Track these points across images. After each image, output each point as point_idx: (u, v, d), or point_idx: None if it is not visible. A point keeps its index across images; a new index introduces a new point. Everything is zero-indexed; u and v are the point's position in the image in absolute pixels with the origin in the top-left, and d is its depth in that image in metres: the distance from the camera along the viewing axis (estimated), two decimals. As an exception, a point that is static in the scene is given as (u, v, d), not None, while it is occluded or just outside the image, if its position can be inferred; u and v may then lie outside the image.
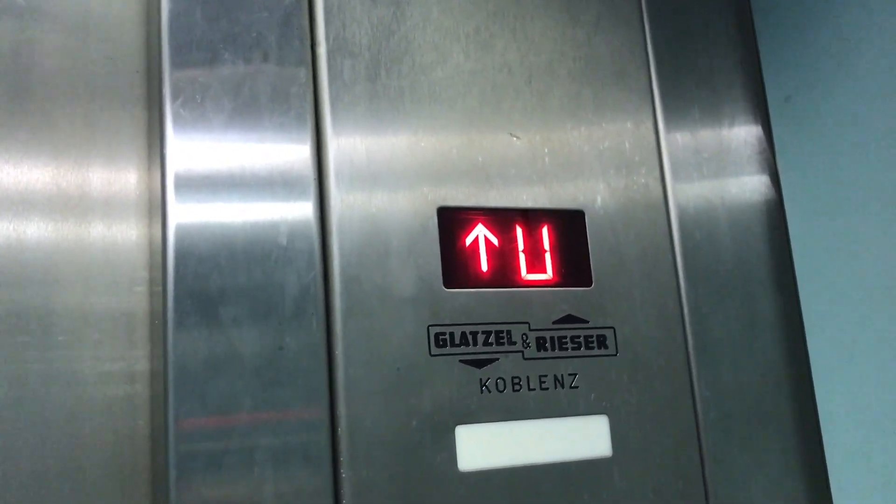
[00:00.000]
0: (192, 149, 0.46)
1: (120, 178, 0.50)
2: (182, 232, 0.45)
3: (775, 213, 0.59)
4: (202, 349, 0.44)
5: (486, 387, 0.48)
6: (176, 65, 0.47)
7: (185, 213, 0.45)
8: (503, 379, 0.49)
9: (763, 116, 0.61)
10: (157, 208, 0.46)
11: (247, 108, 0.47)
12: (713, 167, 0.58)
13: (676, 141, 0.57)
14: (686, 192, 0.57)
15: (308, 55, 0.49)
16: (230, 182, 0.46)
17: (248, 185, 0.46)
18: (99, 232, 0.49)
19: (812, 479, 0.56)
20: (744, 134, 0.60)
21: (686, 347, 0.54)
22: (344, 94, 0.49)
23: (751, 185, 0.59)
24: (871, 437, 0.54)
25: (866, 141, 0.54)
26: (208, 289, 0.44)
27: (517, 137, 0.53)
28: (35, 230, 0.47)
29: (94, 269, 0.48)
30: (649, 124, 0.56)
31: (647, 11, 0.58)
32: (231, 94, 0.47)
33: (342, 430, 0.45)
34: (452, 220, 0.50)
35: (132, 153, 0.50)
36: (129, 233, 0.49)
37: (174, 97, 0.46)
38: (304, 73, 0.49)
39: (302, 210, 0.47)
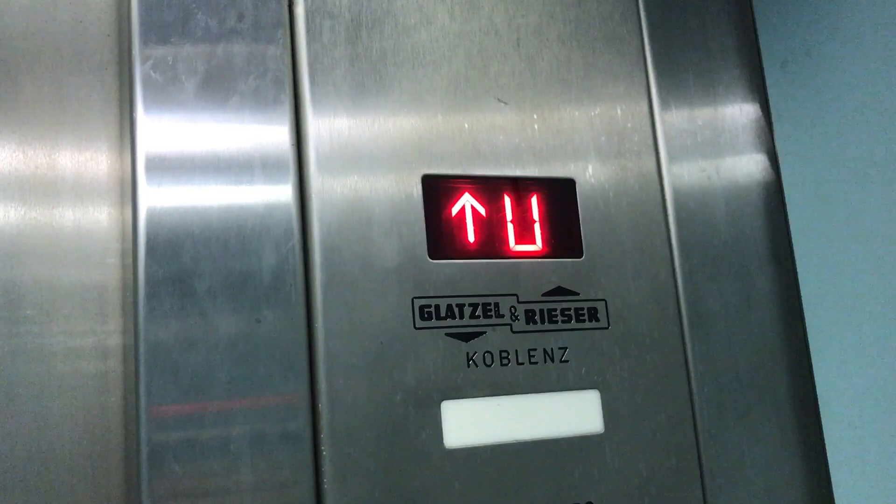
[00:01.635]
0: (163, 122, 0.44)
1: (90, 147, 0.47)
2: (154, 200, 0.43)
3: (772, 183, 0.57)
4: (175, 323, 0.42)
5: (473, 361, 0.47)
6: (146, 25, 0.44)
7: (156, 188, 0.43)
8: (491, 353, 0.47)
9: (759, 82, 0.59)
10: (129, 177, 0.44)
11: (221, 72, 0.45)
12: (708, 135, 0.56)
13: (670, 107, 0.55)
14: (680, 162, 0.55)
15: (286, 15, 0.47)
16: (204, 154, 0.44)
17: (224, 155, 0.44)
18: (70, 201, 0.46)
19: (809, 454, 0.54)
20: (739, 101, 0.58)
21: (680, 320, 0.52)
22: (323, 57, 0.47)
23: (746, 154, 0.57)
24: (867, 413, 0.52)
25: (865, 108, 0.52)
26: (181, 259, 0.42)
27: (505, 103, 0.51)
28: (1, 201, 0.45)
29: (65, 240, 0.46)
30: (642, 90, 0.54)
31: (639, -27, 0.56)
32: (204, 56, 0.45)
33: (322, 405, 0.43)
34: (438, 189, 0.48)
35: (102, 122, 0.48)
36: (100, 204, 0.47)
37: (144, 59, 0.44)
38: (281, 35, 0.47)
39: (281, 177, 0.45)
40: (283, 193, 0.45)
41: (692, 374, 0.52)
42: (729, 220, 0.55)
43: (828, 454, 0.54)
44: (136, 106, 0.43)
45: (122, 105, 0.47)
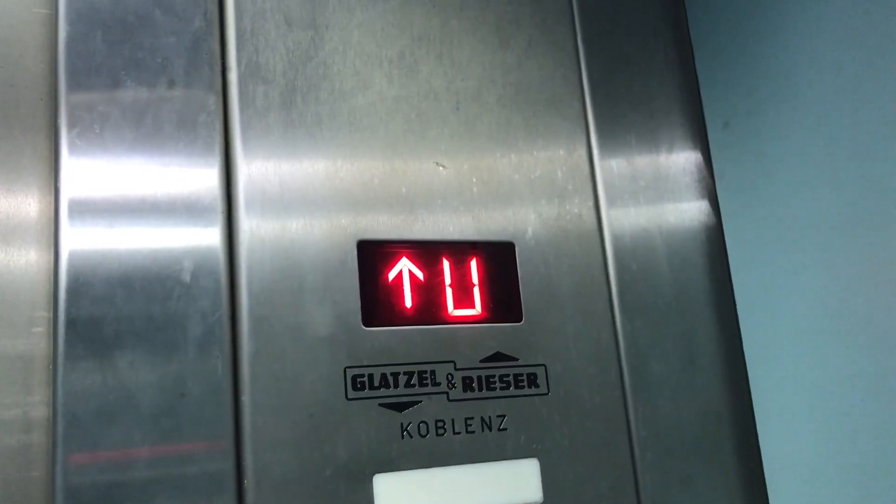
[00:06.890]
0: (87, 175, 0.43)
1: (20, 211, 0.47)
2: (75, 262, 0.42)
3: (715, 242, 0.57)
4: (95, 397, 0.41)
5: (408, 431, 0.46)
6: (73, 92, 0.44)
7: (78, 242, 0.42)
8: (426, 423, 0.46)
9: (702, 142, 0.59)
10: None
11: (150, 138, 0.44)
12: (650, 195, 0.56)
13: (611, 168, 0.55)
14: (622, 222, 0.54)
15: (218, 81, 0.47)
16: (129, 211, 0.43)
17: (150, 214, 0.43)
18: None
19: (756, 519, 0.53)
20: (682, 160, 0.58)
21: (622, 384, 0.51)
22: (256, 122, 0.47)
23: (690, 214, 0.57)
24: (814, 474, 0.52)
25: (806, 167, 0.53)
26: (103, 330, 0.41)
27: (443, 166, 0.50)
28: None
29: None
30: (583, 151, 0.54)
31: (581, 35, 0.56)
32: (133, 123, 0.44)
33: (249, 482, 0.42)
34: (374, 255, 0.48)
35: (32, 184, 0.47)
36: (28, 269, 0.46)
37: (70, 126, 0.43)
38: (213, 101, 0.46)
39: (208, 243, 0.44)
40: (211, 261, 0.44)
41: (635, 441, 0.51)
42: (672, 280, 0.55)
43: (773, 521, 0.53)
44: (59, 177, 0.42)
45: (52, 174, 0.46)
